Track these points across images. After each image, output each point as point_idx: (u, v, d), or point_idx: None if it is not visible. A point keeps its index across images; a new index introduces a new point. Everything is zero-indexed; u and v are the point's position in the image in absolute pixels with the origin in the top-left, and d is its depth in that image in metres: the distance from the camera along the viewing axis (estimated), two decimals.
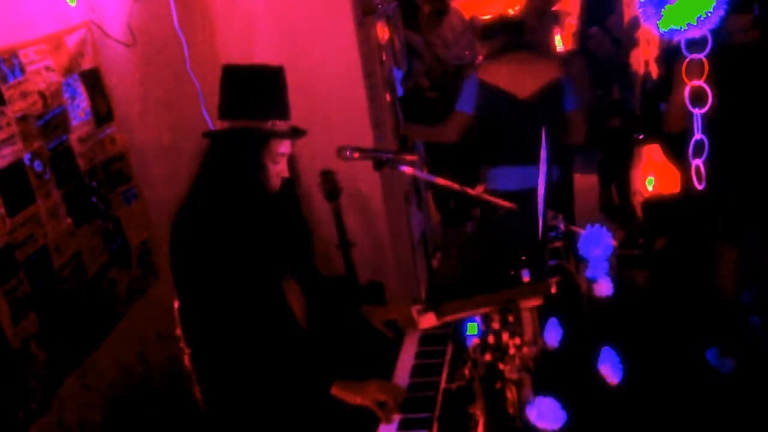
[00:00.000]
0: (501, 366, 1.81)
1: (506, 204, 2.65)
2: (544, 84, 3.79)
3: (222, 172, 2.21)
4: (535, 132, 3.81)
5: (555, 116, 3.80)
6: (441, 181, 2.81)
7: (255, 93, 2.22)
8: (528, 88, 3.78)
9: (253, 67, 2.30)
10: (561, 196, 4.65)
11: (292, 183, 2.36)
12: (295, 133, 2.28)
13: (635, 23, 5.25)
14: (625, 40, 5.46)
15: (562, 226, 2.31)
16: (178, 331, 2.43)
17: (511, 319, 1.84)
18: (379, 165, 2.48)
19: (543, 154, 2.24)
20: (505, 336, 1.82)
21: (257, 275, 2.20)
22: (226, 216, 2.18)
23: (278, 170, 2.27)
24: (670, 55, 4.50)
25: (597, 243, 2.17)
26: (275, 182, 2.28)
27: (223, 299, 2.15)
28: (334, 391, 2.09)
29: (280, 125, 2.24)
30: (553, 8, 5.29)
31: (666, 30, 2.24)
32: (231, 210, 2.19)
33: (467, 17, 6.06)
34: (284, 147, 2.26)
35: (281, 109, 2.26)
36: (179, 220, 2.23)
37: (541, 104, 3.78)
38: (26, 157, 2.44)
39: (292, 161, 2.34)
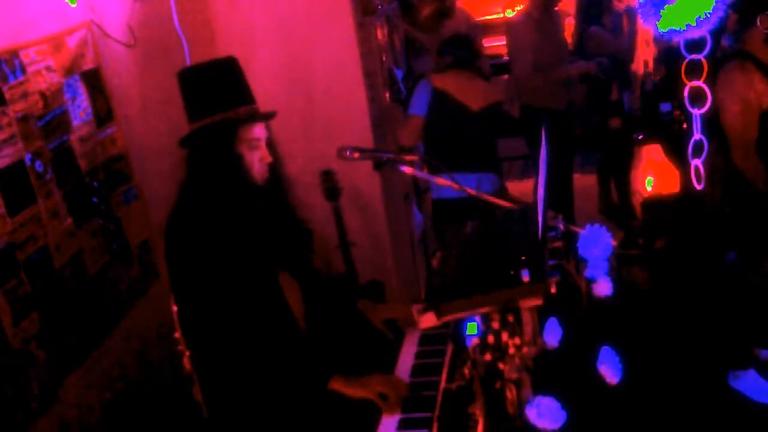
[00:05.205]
0: (501, 366, 1.81)
1: (506, 204, 2.65)
2: (491, 102, 4.03)
3: (202, 172, 2.21)
4: (483, 142, 4.00)
5: (500, 131, 4.16)
6: (441, 181, 2.82)
7: (210, 88, 2.22)
8: (478, 103, 3.98)
9: (203, 64, 2.31)
10: (561, 196, 4.67)
11: (276, 176, 2.34)
12: (259, 114, 2.25)
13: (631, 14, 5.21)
14: (627, 40, 5.44)
15: (561, 226, 2.31)
16: (178, 334, 2.44)
17: (510, 318, 1.84)
18: (379, 165, 2.49)
19: (543, 154, 2.24)
20: (504, 336, 1.82)
21: (251, 270, 2.20)
22: (214, 215, 2.17)
23: (259, 156, 2.24)
24: (669, 55, 4.50)
25: (597, 243, 2.17)
26: (259, 169, 2.25)
27: (218, 299, 2.14)
28: (336, 385, 2.09)
29: (244, 111, 2.22)
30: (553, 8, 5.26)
31: (665, 30, 2.25)
32: (218, 208, 2.18)
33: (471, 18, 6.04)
34: (256, 131, 2.23)
35: (241, 96, 2.23)
36: (170, 224, 2.23)
37: (489, 118, 4.00)
38: (27, 157, 2.44)
39: (273, 150, 2.31)
